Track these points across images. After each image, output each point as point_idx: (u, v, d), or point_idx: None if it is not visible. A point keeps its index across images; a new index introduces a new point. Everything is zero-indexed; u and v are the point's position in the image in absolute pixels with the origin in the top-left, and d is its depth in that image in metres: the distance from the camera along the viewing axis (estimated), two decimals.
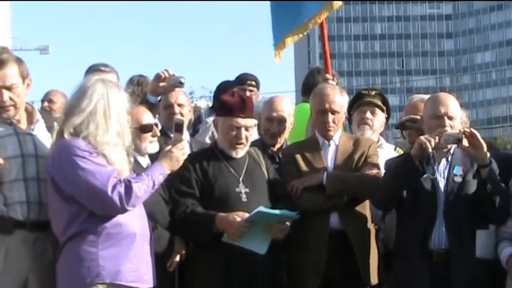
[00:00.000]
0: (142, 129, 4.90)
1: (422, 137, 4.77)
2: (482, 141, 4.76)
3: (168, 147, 4.52)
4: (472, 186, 4.90)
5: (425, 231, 4.82)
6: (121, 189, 4.19)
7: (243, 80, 7.25)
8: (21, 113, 4.59)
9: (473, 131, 4.79)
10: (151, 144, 4.94)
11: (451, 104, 4.97)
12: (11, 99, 4.49)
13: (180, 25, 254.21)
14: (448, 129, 4.86)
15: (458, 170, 4.91)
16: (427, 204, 4.85)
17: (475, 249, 4.85)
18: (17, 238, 4.40)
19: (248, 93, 6.77)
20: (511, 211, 4.86)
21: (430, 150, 4.76)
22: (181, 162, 4.57)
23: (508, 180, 4.94)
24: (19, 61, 4.56)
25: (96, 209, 4.21)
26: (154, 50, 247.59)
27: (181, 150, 4.54)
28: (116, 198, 4.17)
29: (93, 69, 6.04)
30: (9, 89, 4.47)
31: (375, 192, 5.02)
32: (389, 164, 5.11)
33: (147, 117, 4.99)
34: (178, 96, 5.75)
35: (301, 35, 7.05)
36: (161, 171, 4.43)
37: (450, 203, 4.85)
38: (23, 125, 4.60)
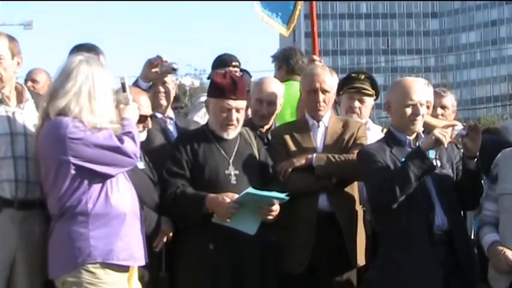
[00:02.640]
0: (138, 118, 4.85)
1: (437, 132, 4.73)
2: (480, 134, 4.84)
3: (124, 104, 4.54)
4: (448, 169, 4.98)
5: (428, 216, 4.80)
6: (128, 140, 4.28)
7: (227, 61, 7.06)
8: (11, 90, 4.59)
9: (478, 125, 4.87)
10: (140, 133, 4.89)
11: (422, 91, 4.96)
12: None
13: (166, 2, 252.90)
14: (420, 117, 4.91)
15: (432, 154, 4.89)
16: (421, 189, 4.82)
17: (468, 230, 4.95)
18: (4, 216, 4.41)
19: None
20: (489, 193, 4.91)
21: (446, 145, 4.79)
22: (138, 115, 4.64)
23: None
24: (10, 38, 4.56)
25: (110, 169, 4.26)
26: (138, 26, 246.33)
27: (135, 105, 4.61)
28: (128, 150, 4.27)
29: (78, 49, 5.96)
30: None
31: (382, 194, 4.78)
32: (367, 152, 4.96)
33: (146, 107, 5.00)
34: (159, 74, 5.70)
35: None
36: (134, 125, 4.49)
37: (440, 186, 4.87)
38: (13, 103, 4.58)
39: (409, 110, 4.91)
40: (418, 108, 4.91)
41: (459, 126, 4.90)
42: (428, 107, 5.00)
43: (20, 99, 4.64)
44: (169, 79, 5.74)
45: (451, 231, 4.81)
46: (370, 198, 4.99)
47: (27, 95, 4.69)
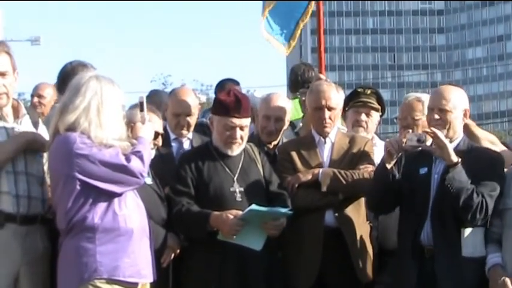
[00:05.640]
0: None
1: (387, 141, 4.84)
2: (445, 141, 4.74)
3: (142, 123, 4.54)
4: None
5: (416, 228, 4.82)
6: (135, 159, 4.26)
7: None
8: (8, 106, 4.56)
9: (436, 131, 4.76)
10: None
11: (442, 97, 4.93)
12: (4, 86, 4.47)
13: (173, 17, 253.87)
14: (438, 121, 4.88)
15: (423, 171, 4.91)
16: (420, 201, 4.85)
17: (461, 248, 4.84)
18: (7, 231, 4.41)
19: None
20: (500, 208, 4.81)
21: (394, 153, 4.81)
22: (153, 135, 4.65)
23: None
24: (9, 53, 4.53)
25: (116, 187, 4.23)
26: (145, 42, 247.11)
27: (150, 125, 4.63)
28: (134, 169, 4.24)
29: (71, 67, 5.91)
30: (2, 75, 4.45)
31: (367, 197, 5.11)
32: None
33: (157, 125, 5.03)
34: (187, 106, 5.70)
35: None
36: (147, 144, 4.47)
37: (438, 200, 4.82)
38: (11, 119, 4.58)
39: (429, 115, 4.96)
40: (433, 113, 4.90)
41: (411, 135, 4.83)
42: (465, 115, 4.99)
43: (16, 114, 4.63)
44: (196, 106, 5.75)
45: (435, 247, 4.78)
46: None
47: (23, 110, 4.67)
